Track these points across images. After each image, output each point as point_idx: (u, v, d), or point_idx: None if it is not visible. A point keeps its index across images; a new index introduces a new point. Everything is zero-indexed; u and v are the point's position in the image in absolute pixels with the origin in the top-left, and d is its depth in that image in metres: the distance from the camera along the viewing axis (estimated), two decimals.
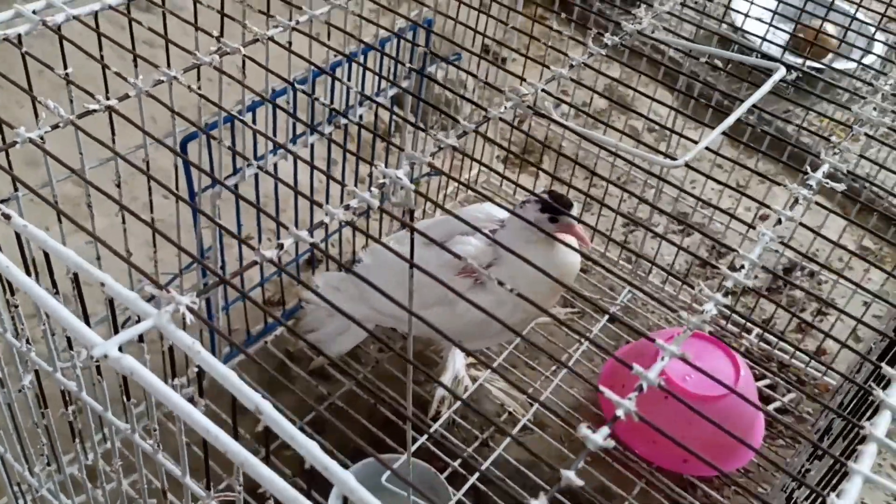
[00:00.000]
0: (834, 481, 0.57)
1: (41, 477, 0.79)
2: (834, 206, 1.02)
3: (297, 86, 0.73)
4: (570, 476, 0.41)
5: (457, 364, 1.19)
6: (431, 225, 1.16)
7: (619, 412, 0.46)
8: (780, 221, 0.59)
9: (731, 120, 0.65)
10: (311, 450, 0.40)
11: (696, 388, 1.11)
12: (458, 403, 1.16)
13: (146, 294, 0.48)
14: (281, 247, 0.50)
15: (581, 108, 0.80)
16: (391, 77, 1.18)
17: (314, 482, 0.48)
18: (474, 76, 0.78)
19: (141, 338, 0.46)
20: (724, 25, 1.62)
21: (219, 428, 0.40)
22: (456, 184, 1.47)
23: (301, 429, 1.11)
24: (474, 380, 1.20)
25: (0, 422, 0.77)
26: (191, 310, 0.45)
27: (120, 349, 0.43)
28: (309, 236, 0.51)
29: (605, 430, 0.45)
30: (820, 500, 0.53)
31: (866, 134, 0.72)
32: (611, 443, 0.44)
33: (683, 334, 0.52)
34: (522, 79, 0.75)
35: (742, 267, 0.55)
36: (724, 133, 0.67)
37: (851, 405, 0.72)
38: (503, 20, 1.02)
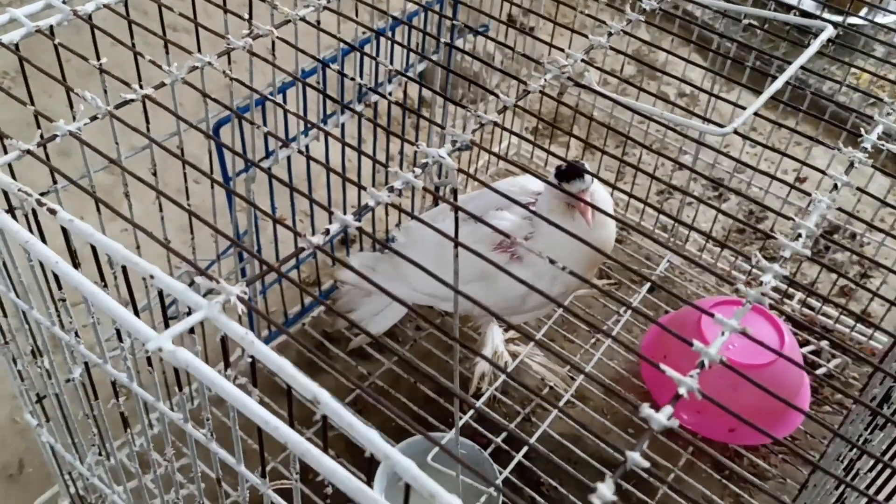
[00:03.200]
0: None
1: (92, 465, 0.80)
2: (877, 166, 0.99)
3: (327, 64, 0.72)
4: (636, 458, 0.40)
5: (495, 340, 1.19)
6: (466, 200, 1.15)
7: (682, 390, 0.45)
8: (836, 187, 0.57)
9: (778, 83, 0.63)
10: (372, 439, 0.39)
11: (740, 356, 1.09)
12: (500, 380, 1.15)
13: (186, 280, 0.47)
14: (328, 232, 0.49)
15: (614, 74, 0.78)
16: (419, 51, 1.16)
17: (371, 466, 0.48)
18: (509, 48, 0.76)
19: (192, 329, 0.46)
20: None
21: (277, 418, 0.40)
22: (487, 157, 1.45)
23: None
24: (514, 355, 1.20)
25: (50, 412, 0.77)
26: (241, 300, 0.44)
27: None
28: (354, 220, 0.50)
29: (669, 409, 0.43)
30: (889, 472, 0.51)
31: None
32: (675, 422, 0.43)
33: (743, 308, 0.50)
34: (555, 47, 0.73)
35: (799, 236, 0.54)
36: (760, 94, 0.65)
37: None
38: None
